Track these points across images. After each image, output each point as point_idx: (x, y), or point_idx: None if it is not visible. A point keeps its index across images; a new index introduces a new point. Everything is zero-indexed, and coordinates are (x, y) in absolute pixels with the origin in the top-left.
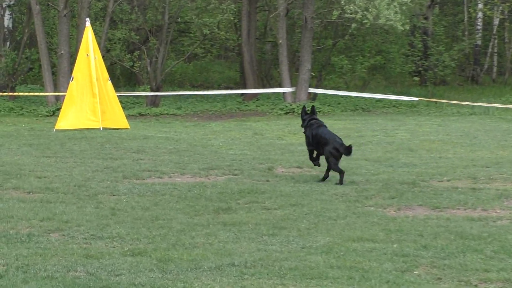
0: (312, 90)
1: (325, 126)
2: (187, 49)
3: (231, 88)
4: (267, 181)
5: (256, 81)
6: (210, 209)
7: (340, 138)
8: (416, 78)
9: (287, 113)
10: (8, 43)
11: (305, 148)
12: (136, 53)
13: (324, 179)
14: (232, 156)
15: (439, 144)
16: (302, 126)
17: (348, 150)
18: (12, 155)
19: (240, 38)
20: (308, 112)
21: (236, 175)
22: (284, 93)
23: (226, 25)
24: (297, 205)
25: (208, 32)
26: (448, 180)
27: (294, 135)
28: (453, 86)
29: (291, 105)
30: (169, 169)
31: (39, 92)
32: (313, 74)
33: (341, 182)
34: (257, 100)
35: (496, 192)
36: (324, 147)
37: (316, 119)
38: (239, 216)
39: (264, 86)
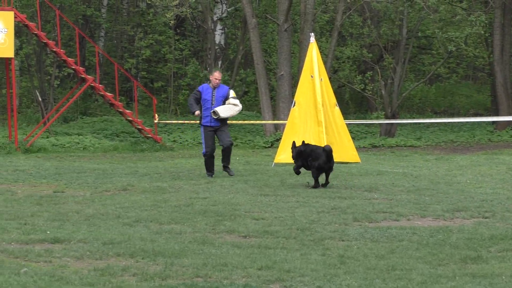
0: None
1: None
2: (428, 68)
3: (481, 115)
4: None
5: (511, 106)
6: (456, 258)
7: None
8: None
9: None
10: (219, 63)
11: None
12: (369, 74)
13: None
14: (482, 195)
15: None
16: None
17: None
18: (225, 193)
19: (491, 56)
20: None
21: (486, 218)
22: None
23: (475, 40)
24: None
25: (453, 48)
26: None
27: None
28: None
29: None
30: (407, 211)
31: (255, 120)
32: None
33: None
34: (511, 129)
35: None
36: (312, 162)
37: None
38: (491, 267)
39: None
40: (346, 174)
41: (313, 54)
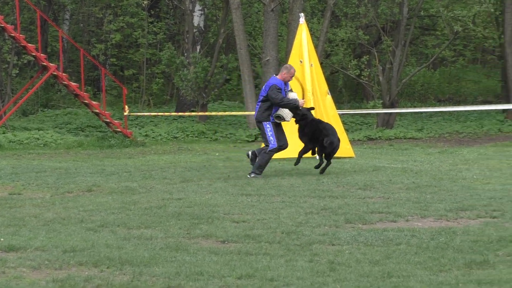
0: None
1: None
2: (432, 51)
3: (490, 103)
4: None
5: None
6: (460, 262)
7: None
8: None
9: None
10: (198, 48)
11: None
12: (365, 58)
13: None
14: (491, 193)
15: None
16: None
17: None
18: (203, 193)
19: (502, 37)
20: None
21: (495, 217)
22: None
23: (485, 19)
24: None
25: (460, 28)
26: None
27: None
28: None
29: None
30: (406, 211)
31: (238, 111)
32: None
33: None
34: None
35: None
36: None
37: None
38: (498, 273)
39: None
40: (338, 170)
41: (302, 36)
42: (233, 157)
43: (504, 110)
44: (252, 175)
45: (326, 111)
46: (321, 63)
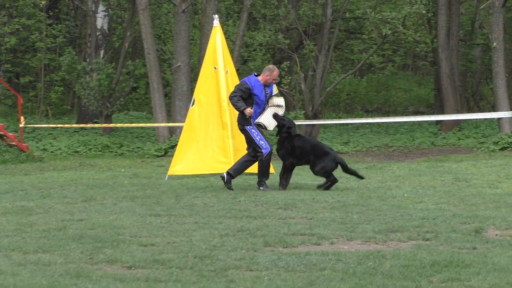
0: None
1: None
2: (359, 57)
3: (422, 113)
4: (474, 248)
5: (458, 102)
6: None
7: None
8: None
9: (503, 148)
10: (102, 52)
11: None
12: (285, 64)
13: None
14: (423, 212)
15: None
16: None
17: None
18: (107, 213)
19: (435, 41)
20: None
21: (428, 240)
22: (499, 119)
23: (416, 21)
24: None
25: (389, 32)
26: None
27: None
28: None
29: (510, 137)
30: (331, 232)
31: (146, 123)
32: None
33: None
34: (459, 131)
35: None
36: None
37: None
38: None
39: (470, 110)
40: (255, 188)
41: (217, 40)
42: (141, 174)
43: (437, 122)
44: (261, 187)
45: None
46: (237, 70)
